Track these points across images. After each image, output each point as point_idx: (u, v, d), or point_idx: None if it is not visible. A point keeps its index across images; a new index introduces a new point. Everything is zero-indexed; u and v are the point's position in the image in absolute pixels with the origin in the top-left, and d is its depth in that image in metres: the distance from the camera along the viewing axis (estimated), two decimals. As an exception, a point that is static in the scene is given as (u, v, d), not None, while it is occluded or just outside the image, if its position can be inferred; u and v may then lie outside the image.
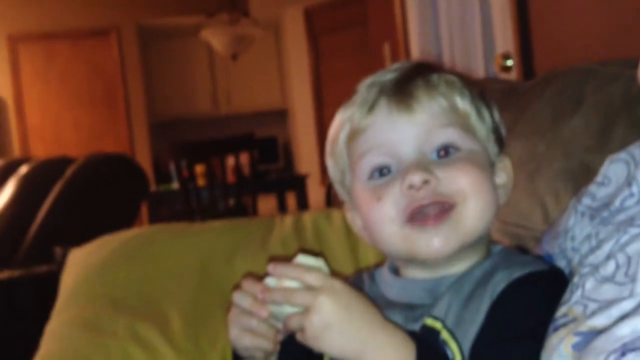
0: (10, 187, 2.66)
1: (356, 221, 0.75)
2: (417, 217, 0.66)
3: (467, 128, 0.70)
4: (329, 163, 0.76)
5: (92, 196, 2.45)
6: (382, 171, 0.69)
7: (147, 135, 6.21)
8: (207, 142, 4.09)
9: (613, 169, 0.72)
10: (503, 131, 0.75)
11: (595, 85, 0.95)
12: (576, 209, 0.74)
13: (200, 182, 4.21)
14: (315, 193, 5.10)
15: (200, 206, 3.98)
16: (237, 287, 0.70)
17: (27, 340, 1.24)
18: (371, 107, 0.70)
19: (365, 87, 0.72)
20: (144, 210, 4.52)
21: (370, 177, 0.70)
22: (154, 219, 4.43)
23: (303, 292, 0.63)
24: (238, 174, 4.08)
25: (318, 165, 5.81)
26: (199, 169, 4.23)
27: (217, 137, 4.28)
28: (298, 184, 4.68)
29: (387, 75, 0.71)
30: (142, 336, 0.98)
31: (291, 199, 4.87)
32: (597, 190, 0.72)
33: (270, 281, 0.66)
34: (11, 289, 2.10)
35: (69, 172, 2.49)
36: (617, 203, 0.68)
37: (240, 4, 5.54)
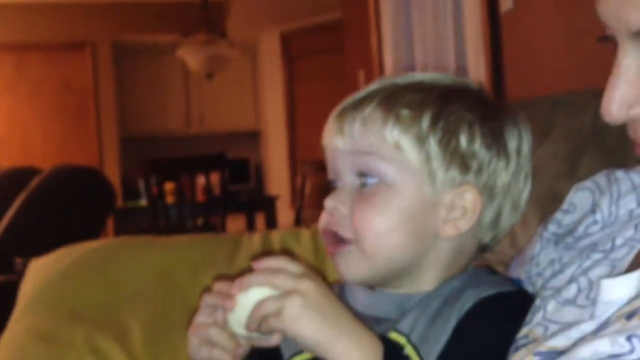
0: (-28, 196, 2.61)
1: None
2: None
3: (395, 159, 0.67)
4: None
5: (56, 207, 2.41)
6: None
7: (117, 151, 6.15)
8: (178, 159, 4.06)
9: (579, 197, 0.73)
10: (481, 155, 0.68)
11: (564, 114, 0.96)
12: (542, 235, 0.74)
13: (169, 199, 4.17)
14: (284, 216, 5.09)
15: (168, 224, 3.93)
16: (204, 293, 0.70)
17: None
18: (327, 128, 0.72)
19: None
20: (110, 226, 4.46)
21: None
22: (120, 235, 4.37)
23: (287, 275, 0.64)
24: (208, 193, 4.05)
25: (289, 188, 5.80)
26: (169, 186, 4.19)
27: (189, 155, 4.25)
28: (268, 205, 4.66)
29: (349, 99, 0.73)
30: (99, 347, 0.96)
31: (260, 220, 4.85)
32: (563, 218, 0.73)
33: (242, 297, 0.65)
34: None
35: (34, 182, 2.45)
36: (580, 230, 0.69)
37: (217, 25, 5.55)
